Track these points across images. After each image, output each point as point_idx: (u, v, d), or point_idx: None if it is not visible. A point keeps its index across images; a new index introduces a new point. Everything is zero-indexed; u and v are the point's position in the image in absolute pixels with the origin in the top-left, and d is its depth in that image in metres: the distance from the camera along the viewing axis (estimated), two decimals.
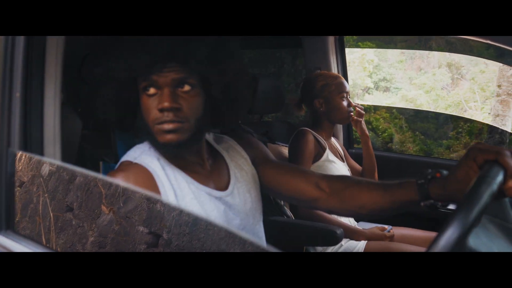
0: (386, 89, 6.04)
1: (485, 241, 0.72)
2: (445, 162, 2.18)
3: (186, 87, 0.90)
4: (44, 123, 0.84)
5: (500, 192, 0.70)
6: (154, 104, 0.90)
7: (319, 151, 1.76)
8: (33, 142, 0.81)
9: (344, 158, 1.89)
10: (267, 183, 1.09)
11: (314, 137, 1.76)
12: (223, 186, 1.01)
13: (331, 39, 2.04)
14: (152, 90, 0.90)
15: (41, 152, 0.83)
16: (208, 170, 1.01)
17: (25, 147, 0.79)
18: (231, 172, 1.04)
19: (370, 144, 1.85)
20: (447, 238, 0.61)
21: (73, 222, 0.74)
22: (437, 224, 1.70)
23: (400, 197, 0.91)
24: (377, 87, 6.00)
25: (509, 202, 0.81)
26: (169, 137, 0.89)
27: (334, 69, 2.07)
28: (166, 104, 0.87)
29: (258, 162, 1.11)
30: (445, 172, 0.85)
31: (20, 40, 0.78)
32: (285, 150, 1.86)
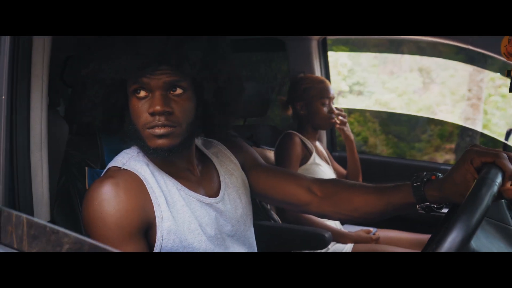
0: (360, 93, 6.13)
1: (484, 242, 0.73)
2: (428, 165, 2.22)
3: (178, 90, 0.87)
4: (31, 127, 0.79)
5: (499, 194, 0.71)
6: (145, 107, 0.87)
7: (306, 154, 1.75)
8: (19, 147, 0.76)
9: (329, 161, 1.90)
10: (258, 187, 1.08)
11: (301, 140, 1.75)
12: (213, 192, 0.99)
13: (314, 43, 2.05)
14: (142, 93, 0.87)
15: (27, 157, 0.78)
16: (198, 176, 0.99)
17: (11, 154, 0.75)
18: (221, 178, 1.02)
19: (354, 148, 1.86)
20: (451, 240, 0.61)
21: (47, 229, 0.69)
22: (422, 226, 1.73)
23: (396, 199, 0.91)
24: (351, 91, 6.08)
25: (505, 203, 0.83)
26: (161, 141, 0.87)
27: (318, 73, 2.07)
28: (157, 107, 0.85)
29: (248, 167, 1.09)
30: (440, 174, 0.86)
31: (6, 40, 0.74)
32: (270, 154, 1.85)
